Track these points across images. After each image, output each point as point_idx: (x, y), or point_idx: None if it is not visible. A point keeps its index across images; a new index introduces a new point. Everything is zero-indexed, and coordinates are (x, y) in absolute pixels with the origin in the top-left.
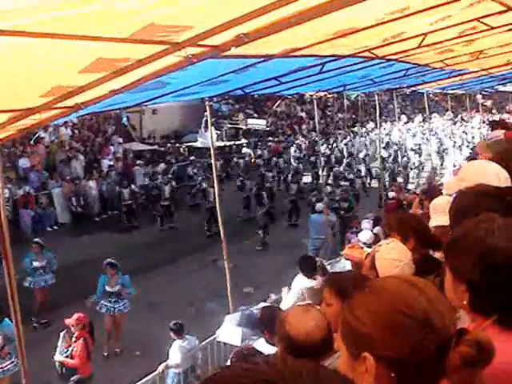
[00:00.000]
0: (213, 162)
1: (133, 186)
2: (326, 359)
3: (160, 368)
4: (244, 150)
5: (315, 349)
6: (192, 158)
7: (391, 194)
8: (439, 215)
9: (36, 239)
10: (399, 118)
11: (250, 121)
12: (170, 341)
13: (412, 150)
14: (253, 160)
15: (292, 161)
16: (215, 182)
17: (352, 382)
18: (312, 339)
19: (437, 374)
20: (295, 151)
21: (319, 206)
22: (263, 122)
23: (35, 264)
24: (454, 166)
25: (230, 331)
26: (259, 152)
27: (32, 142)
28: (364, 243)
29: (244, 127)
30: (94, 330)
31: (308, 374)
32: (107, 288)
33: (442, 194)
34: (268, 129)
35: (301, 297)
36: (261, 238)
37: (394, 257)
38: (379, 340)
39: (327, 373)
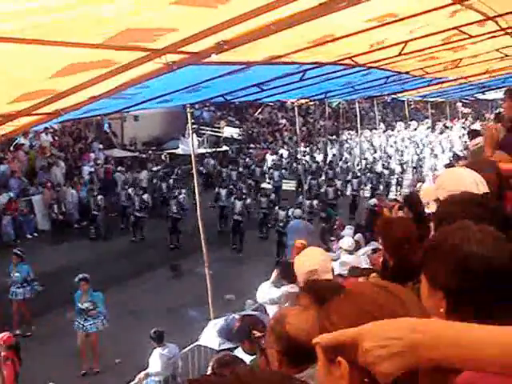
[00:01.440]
0: (194, 169)
1: (99, 197)
2: None
3: (137, 379)
4: (206, 160)
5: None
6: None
7: (373, 201)
8: None
9: (15, 250)
10: (379, 125)
11: (226, 129)
12: (151, 348)
13: (391, 157)
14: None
15: (268, 169)
16: (196, 190)
17: None
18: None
19: (412, 381)
20: (273, 160)
21: (297, 211)
22: (236, 130)
23: (12, 275)
24: (434, 171)
25: (210, 335)
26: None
27: (12, 148)
28: (345, 250)
29: (224, 135)
30: (21, 350)
31: None
32: (79, 305)
33: (421, 201)
34: (240, 137)
35: (281, 300)
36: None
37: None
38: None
39: None
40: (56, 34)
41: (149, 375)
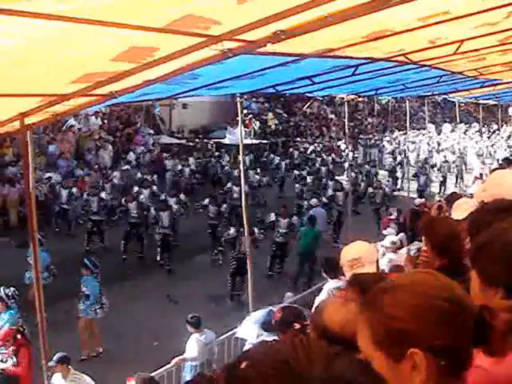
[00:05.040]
0: (241, 159)
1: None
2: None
3: (173, 363)
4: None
5: (347, 343)
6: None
7: (418, 202)
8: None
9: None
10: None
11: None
12: (189, 333)
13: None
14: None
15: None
16: (242, 180)
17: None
18: (346, 333)
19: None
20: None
21: (314, 201)
22: (257, 123)
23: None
24: (482, 176)
25: (248, 328)
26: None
27: (64, 128)
28: (388, 248)
29: (273, 126)
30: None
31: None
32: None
33: None
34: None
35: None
36: None
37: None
38: (425, 332)
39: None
40: (118, 16)
41: (185, 360)
